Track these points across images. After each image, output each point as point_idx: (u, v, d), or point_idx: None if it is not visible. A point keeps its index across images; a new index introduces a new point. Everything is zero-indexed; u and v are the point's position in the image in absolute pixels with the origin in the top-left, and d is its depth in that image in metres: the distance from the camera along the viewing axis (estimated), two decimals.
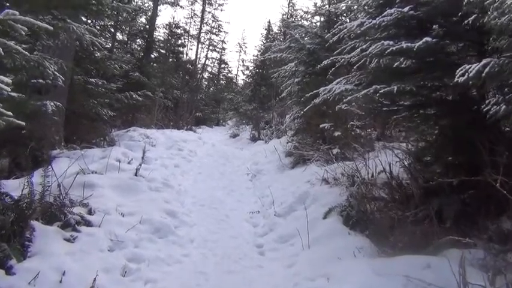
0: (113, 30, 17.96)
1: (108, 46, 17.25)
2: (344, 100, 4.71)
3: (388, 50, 4.13)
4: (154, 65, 21.66)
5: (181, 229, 5.30)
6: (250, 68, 26.27)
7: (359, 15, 7.52)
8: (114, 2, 13.17)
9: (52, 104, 7.64)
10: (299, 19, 23.92)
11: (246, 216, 6.43)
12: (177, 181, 7.53)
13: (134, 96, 11.42)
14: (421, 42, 3.90)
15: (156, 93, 18.43)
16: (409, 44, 4.07)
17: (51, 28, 4.08)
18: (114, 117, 12.99)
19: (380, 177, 5.45)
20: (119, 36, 20.17)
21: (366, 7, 5.22)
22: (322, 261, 4.12)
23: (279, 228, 5.54)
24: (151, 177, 6.78)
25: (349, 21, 5.67)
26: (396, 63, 5.70)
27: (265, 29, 29.25)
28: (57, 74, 6.43)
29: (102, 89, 10.63)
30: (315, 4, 11.28)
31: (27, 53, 3.95)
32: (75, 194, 4.98)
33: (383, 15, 4.50)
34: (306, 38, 9.43)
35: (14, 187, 4.59)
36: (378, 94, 4.04)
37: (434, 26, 4.36)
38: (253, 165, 10.21)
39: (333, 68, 6.65)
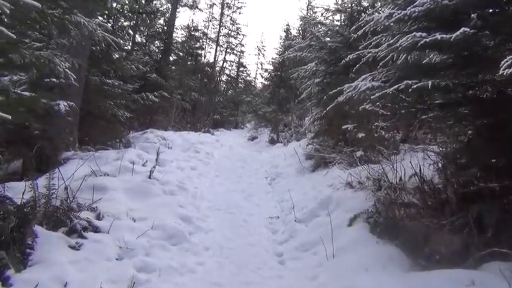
0: (131, 32, 17.96)
1: (127, 48, 17.25)
2: (371, 97, 4.32)
3: (421, 43, 3.76)
4: (173, 67, 21.58)
5: (196, 235, 4.99)
6: (269, 70, 25.87)
7: (385, 9, 7.16)
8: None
9: (65, 103, 7.45)
10: (319, 17, 23.56)
11: (264, 222, 6.09)
12: (193, 184, 7.24)
13: (150, 97, 11.23)
14: (458, 33, 3.51)
15: (173, 95, 18.32)
16: (444, 36, 3.69)
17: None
18: (131, 118, 12.85)
19: (409, 181, 5.05)
20: (138, 38, 20.24)
21: None
22: (348, 273, 3.76)
23: (300, 235, 5.19)
24: (166, 179, 6.51)
25: (374, 15, 5.29)
26: (425, 59, 5.35)
27: (284, 31, 28.88)
28: (69, 72, 6.21)
29: (119, 90, 10.45)
30: (336, 1, 10.80)
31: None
32: (84, 198, 4.73)
33: (414, 5, 4.13)
34: (326, 38, 9.05)
35: (23, 190, 4.36)
36: (409, 90, 3.66)
37: (472, 15, 3.97)
38: (272, 168, 9.88)
39: (357, 65, 6.29)
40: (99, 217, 4.38)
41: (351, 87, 4.76)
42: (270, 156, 12.58)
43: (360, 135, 7.07)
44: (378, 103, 5.57)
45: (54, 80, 7.46)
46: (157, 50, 20.41)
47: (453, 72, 4.41)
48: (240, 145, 17.69)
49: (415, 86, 3.62)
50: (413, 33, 3.81)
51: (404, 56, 5.34)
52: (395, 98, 4.53)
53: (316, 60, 9.47)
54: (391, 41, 5.04)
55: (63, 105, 7.38)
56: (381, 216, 4.53)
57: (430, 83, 3.60)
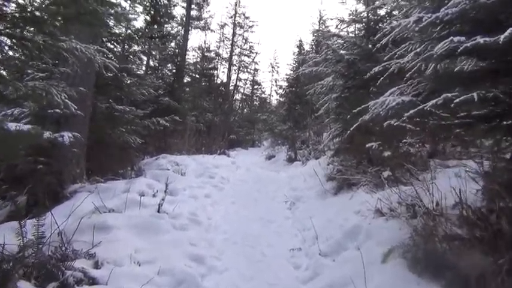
0: (143, 56, 17.77)
1: (139, 72, 17.03)
2: (404, 115, 3.74)
3: (461, 48, 3.19)
4: (187, 89, 21.28)
5: (210, 278, 4.43)
6: (284, 87, 25.41)
7: (402, 15, 6.62)
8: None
9: (70, 134, 7.05)
10: (333, 29, 23.05)
11: (285, 255, 5.50)
12: (206, 214, 6.71)
13: (161, 122, 10.78)
14: (507, 33, 2.94)
15: (187, 117, 17.95)
16: (487, 39, 3.13)
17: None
18: (145, 144, 12.46)
19: (448, 205, 4.42)
20: (150, 62, 20.08)
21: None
22: None
23: (327, 273, 4.57)
24: (177, 212, 5.99)
25: (400, 21, 4.75)
26: (457, 67, 4.79)
27: (297, 47, 28.43)
28: (69, 103, 5.82)
29: (130, 116, 10.07)
30: (352, 12, 10.29)
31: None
32: (84, 240, 4.24)
33: (447, 6, 3.59)
34: (342, 51, 8.52)
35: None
36: (452, 105, 3.09)
37: None
38: (291, 191, 9.30)
39: (380, 78, 5.73)
40: (97, 265, 3.86)
41: (377, 103, 4.22)
42: (289, 176, 11.99)
43: (386, 153, 6.46)
44: (405, 118, 5.03)
45: (58, 110, 7.10)
46: (169, 73, 20.18)
47: (493, 80, 3.85)
48: (257, 165, 17.16)
49: (457, 100, 3.04)
50: (450, 37, 3.25)
51: (433, 65, 4.80)
52: (425, 113, 3.96)
53: (333, 74, 8.95)
54: (419, 49, 4.51)
55: (67, 136, 6.98)
56: (420, 251, 3.91)
57: (475, 95, 3.02)
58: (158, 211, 5.75)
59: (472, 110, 4.21)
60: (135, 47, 17.48)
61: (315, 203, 7.67)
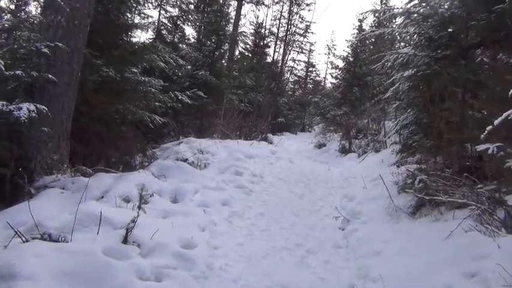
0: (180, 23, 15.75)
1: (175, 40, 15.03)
2: None
3: None
4: (235, 66, 18.96)
5: None
6: (340, 67, 22.42)
7: None
8: None
9: (32, 107, 4.94)
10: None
11: None
12: (211, 241, 4.38)
13: (181, 97, 8.48)
14: None
15: (228, 95, 15.74)
16: None
17: None
18: (167, 124, 10.33)
19: None
20: (193, 32, 18.00)
21: None
22: None
23: None
24: (158, 241, 3.64)
25: None
26: None
27: (357, 28, 24.84)
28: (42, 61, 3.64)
29: (148, 87, 7.94)
30: None
31: None
32: None
33: None
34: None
35: None
36: None
37: None
38: (346, 201, 6.80)
39: None
40: None
41: None
42: (342, 174, 9.43)
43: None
44: None
45: (20, 73, 5.03)
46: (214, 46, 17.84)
47: None
48: (304, 155, 14.68)
49: None
50: None
51: None
52: None
53: (415, 39, 6.24)
54: None
55: (26, 109, 4.86)
56: None
57: None
58: (125, 240, 3.47)
59: None
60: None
61: (381, 227, 5.13)
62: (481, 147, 4.07)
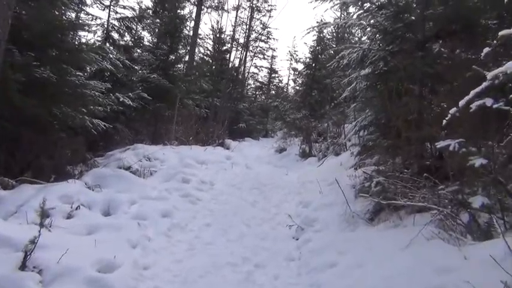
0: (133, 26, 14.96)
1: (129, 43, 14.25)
2: None
3: None
4: (194, 71, 18.32)
5: None
6: (300, 70, 22.16)
7: None
8: None
9: None
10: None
11: None
12: (143, 258, 3.78)
13: (122, 99, 7.78)
14: None
15: (185, 100, 15.12)
16: None
17: None
18: (116, 130, 9.61)
19: None
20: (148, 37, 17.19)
21: None
22: None
23: None
24: (66, 265, 3.01)
25: None
26: None
27: (316, 30, 24.54)
28: None
29: (85, 90, 7.24)
30: None
31: None
32: None
33: None
34: None
35: None
36: None
37: None
38: (301, 207, 6.31)
39: None
40: None
41: None
42: (300, 179, 8.95)
43: (478, 162, 3.40)
44: None
45: None
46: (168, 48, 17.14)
47: None
48: (264, 160, 14.17)
49: None
50: None
51: None
52: None
53: (369, 33, 5.85)
54: None
55: None
56: None
57: None
58: (23, 266, 2.82)
59: None
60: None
61: (337, 236, 4.65)
62: (441, 144, 3.65)
